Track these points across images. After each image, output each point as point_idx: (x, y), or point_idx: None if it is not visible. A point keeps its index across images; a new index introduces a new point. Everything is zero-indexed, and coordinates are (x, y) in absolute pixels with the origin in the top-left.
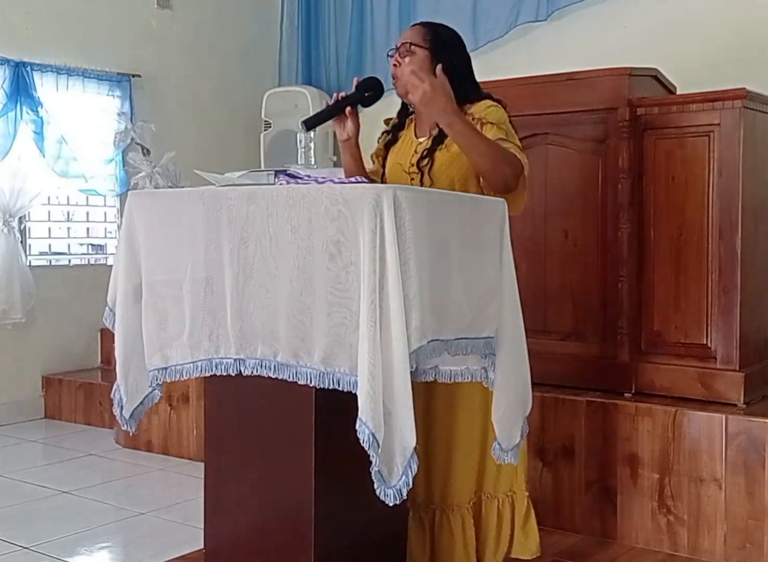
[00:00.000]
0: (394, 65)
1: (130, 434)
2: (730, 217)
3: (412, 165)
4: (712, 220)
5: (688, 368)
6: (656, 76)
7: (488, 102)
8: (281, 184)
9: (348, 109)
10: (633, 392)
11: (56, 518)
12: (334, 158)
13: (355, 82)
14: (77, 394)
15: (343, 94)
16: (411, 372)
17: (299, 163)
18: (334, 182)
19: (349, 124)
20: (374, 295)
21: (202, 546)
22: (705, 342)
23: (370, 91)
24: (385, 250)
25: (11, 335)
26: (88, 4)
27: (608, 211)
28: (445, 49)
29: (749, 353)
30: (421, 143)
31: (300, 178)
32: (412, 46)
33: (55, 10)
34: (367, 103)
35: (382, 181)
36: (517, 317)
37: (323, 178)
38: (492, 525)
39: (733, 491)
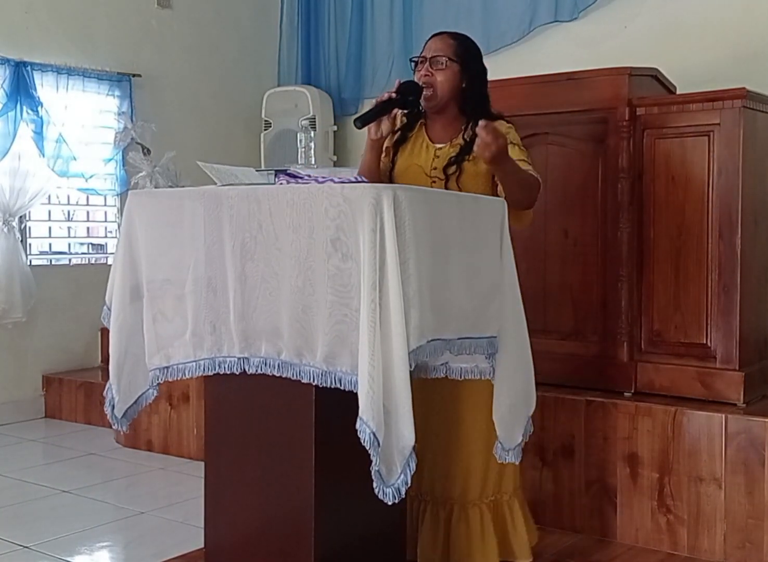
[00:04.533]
0: (426, 75)
1: (121, 432)
2: (730, 216)
3: (435, 169)
4: (711, 220)
5: (688, 368)
6: (656, 76)
7: (504, 122)
8: (281, 183)
9: (394, 110)
10: (633, 391)
11: (56, 517)
12: (334, 158)
13: (396, 84)
14: (77, 393)
15: (392, 94)
16: (419, 369)
17: (299, 162)
18: (334, 182)
19: (387, 124)
20: (374, 293)
21: (202, 545)
22: (705, 342)
23: (413, 96)
24: (385, 250)
25: (12, 334)
26: (88, 4)
27: (608, 210)
28: (472, 64)
29: (749, 352)
30: (441, 149)
31: (300, 177)
32: (447, 61)
33: (55, 10)
34: (408, 106)
35: (391, 178)
36: (520, 317)
37: (323, 177)
38: (521, 522)
39: (733, 490)
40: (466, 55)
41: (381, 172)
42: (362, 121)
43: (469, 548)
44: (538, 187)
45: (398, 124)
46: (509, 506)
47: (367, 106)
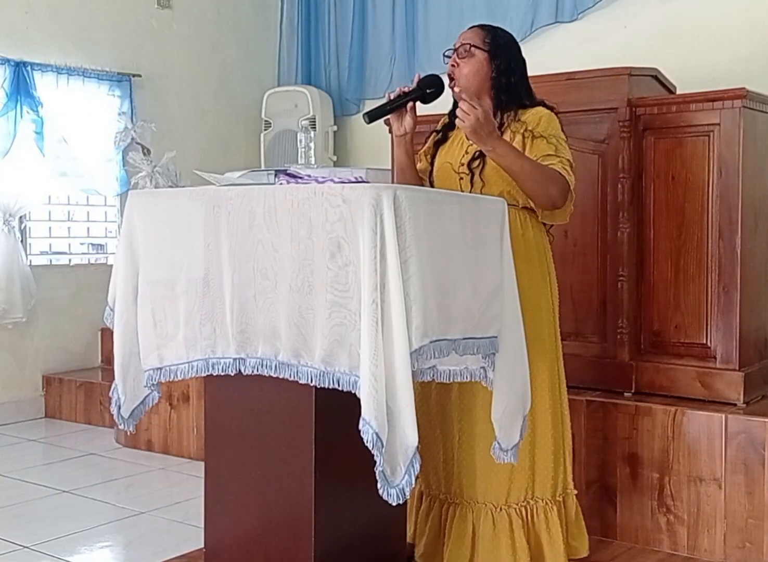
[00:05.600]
0: (452, 66)
1: (128, 433)
2: (730, 216)
3: (462, 165)
4: (712, 220)
5: (688, 368)
6: (656, 76)
7: (541, 110)
8: (281, 183)
9: (409, 104)
10: (633, 391)
11: (56, 517)
12: (334, 158)
13: (416, 79)
14: (77, 393)
15: (405, 88)
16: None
17: (299, 162)
18: (334, 182)
19: (408, 119)
20: (375, 294)
21: (202, 545)
22: (705, 342)
23: (432, 89)
24: (386, 250)
25: (12, 334)
26: (88, 3)
27: (608, 211)
28: (503, 52)
29: (749, 352)
30: (472, 145)
31: (300, 177)
32: (472, 48)
33: (55, 9)
34: (428, 100)
35: (430, 179)
36: (518, 316)
37: (323, 178)
38: (558, 530)
39: (733, 490)
40: (495, 43)
41: (421, 172)
42: (371, 117)
43: (496, 553)
44: (558, 181)
45: (416, 118)
46: (546, 514)
47: (369, 106)
